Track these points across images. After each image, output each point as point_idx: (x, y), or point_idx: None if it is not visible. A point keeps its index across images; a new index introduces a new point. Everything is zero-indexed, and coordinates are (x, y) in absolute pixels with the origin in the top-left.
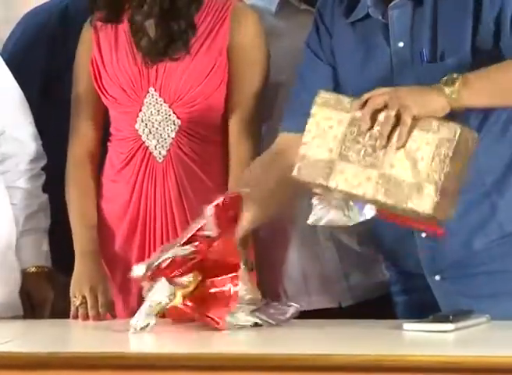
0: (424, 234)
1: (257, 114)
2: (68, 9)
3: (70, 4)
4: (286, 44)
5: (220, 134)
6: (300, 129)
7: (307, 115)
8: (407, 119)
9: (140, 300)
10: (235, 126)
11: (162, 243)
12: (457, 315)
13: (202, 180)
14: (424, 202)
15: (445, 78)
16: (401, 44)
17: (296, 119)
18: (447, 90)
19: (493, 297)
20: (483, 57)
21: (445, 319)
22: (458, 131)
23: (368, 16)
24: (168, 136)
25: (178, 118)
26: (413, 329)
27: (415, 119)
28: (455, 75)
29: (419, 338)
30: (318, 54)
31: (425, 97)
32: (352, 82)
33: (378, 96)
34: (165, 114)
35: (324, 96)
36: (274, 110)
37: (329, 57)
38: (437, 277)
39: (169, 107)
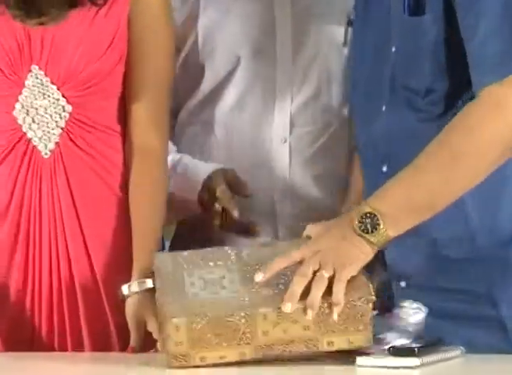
0: None
1: (166, 99)
2: None
3: None
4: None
5: (121, 123)
6: None
7: None
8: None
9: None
10: (137, 113)
11: (50, 256)
12: (425, 346)
13: (99, 179)
14: None
15: (357, 224)
16: None
17: None
18: (372, 238)
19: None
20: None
21: (408, 353)
22: None
23: None
24: (57, 126)
25: (68, 103)
26: (368, 364)
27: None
28: (368, 212)
29: None
30: None
31: (348, 254)
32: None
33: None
34: (53, 98)
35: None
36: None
37: None
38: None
39: (58, 89)
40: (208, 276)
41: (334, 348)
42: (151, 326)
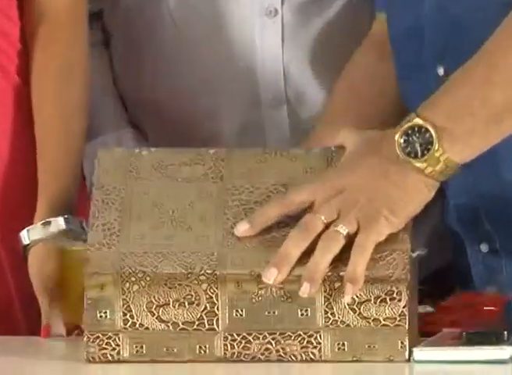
0: None
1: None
2: None
3: None
4: None
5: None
6: None
7: None
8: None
9: None
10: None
11: None
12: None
13: None
14: None
15: (402, 145)
16: None
17: None
18: (423, 164)
19: None
20: None
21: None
22: None
23: None
24: None
25: None
26: (431, 358)
27: None
28: (416, 125)
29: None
30: None
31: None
32: None
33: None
34: None
35: None
36: None
37: None
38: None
39: None
40: (168, 205)
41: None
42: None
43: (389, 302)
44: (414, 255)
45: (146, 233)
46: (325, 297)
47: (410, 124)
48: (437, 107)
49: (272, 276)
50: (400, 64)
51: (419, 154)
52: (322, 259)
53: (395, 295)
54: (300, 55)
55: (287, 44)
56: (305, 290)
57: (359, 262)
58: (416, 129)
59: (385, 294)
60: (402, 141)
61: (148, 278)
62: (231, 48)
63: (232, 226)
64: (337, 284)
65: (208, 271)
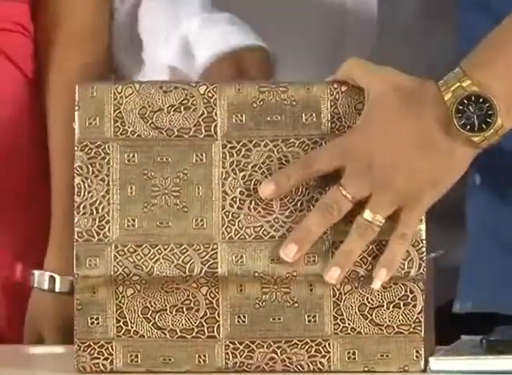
0: None
1: None
2: None
3: None
4: None
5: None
6: None
7: None
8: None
9: None
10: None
11: None
12: None
13: None
14: None
15: (456, 115)
16: None
17: None
18: (477, 138)
19: None
20: None
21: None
22: None
23: None
24: None
25: None
26: (449, 369)
27: None
28: (473, 94)
29: None
30: None
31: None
32: None
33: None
34: None
35: None
36: None
37: None
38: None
39: None
40: (159, 174)
41: None
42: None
43: (403, 308)
44: (432, 256)
45: (138, 216)
46: (334, 302)
47: (465, 93)
48: (492, 68)
49: (291, 252)
50: None
51: (476, 127)
52: (357, 248)
53: (410, 300)
54: None
55: None
56: (333, 274)
57: (399, 251)
58: (473, 98)
59: (399, 298)
60: (454, 109)
61: (144, 281)
62: None
63: (231, 205)
64: (347, 287)
65: (208, 273)
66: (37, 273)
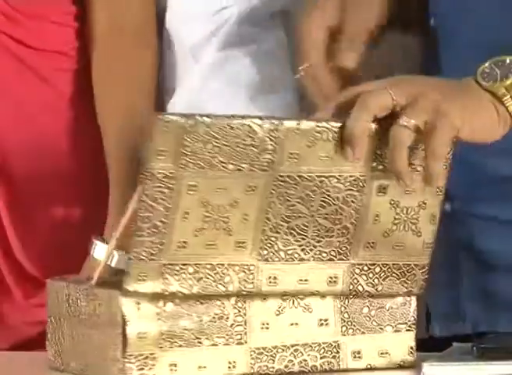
0: None
1: None
2: None
3: None
4: None
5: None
6: None
7: None
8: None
9: None
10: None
11: None
12: None
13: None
14: None
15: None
16: None
17: None
18: (496, 88)
19: None
20: None
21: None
22: None
23: None
24: None
25: None
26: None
27: None
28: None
29: None
30: None
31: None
32: None
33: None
34: None
35: None
36: None
37: None
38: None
39: None
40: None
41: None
42: None
43: (400, 309)
44: None
45: (189, 239)
46: (341, 306)
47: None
48: None
49: (350, 156)
50: None
51: (498, 79)
52: (442, 140)
53: (406, 306)
54: None
55: None
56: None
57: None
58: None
59: (399, 305)
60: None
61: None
62: None
63: (271, 230)
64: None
65: (244, 292)
66: (98, 242)
